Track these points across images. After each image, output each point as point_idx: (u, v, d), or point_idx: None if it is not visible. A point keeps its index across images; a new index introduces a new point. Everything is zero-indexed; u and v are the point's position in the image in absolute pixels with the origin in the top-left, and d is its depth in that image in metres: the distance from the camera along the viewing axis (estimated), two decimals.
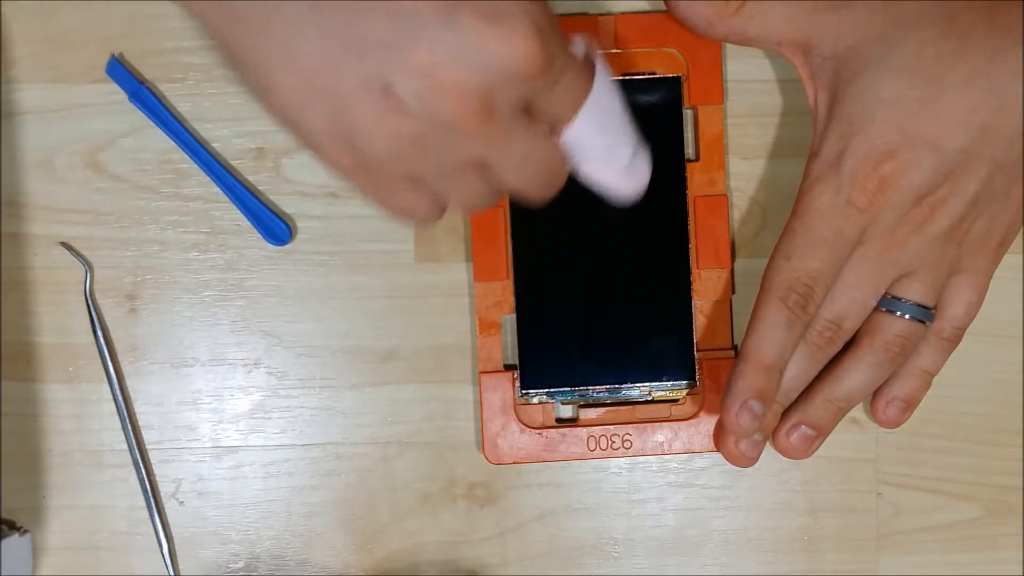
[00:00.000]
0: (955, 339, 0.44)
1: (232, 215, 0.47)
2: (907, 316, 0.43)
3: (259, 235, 0.47)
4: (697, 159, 0.47)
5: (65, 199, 0.47)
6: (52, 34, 0.47)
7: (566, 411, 0.47)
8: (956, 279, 0.43)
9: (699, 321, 0.47)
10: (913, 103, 0.41)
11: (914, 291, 0.43)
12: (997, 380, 0.48)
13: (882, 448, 0.48)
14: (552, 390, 0.46)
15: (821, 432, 0.45)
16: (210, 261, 0.47)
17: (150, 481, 0.48)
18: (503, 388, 0.46)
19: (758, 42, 0.44)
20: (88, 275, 0.47)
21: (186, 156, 0.47)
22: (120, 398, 0.47)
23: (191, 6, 0.34)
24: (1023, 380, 0.48)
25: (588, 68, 0.36)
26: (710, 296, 0.47)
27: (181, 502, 0.48)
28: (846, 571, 0.48)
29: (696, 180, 0.47)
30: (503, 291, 0.46)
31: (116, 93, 0.47)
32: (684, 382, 0.46)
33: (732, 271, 0.47)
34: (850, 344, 0.44)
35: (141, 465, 0.47)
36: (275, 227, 0.47)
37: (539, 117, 0.35)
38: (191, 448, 0.48)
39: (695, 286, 0.47)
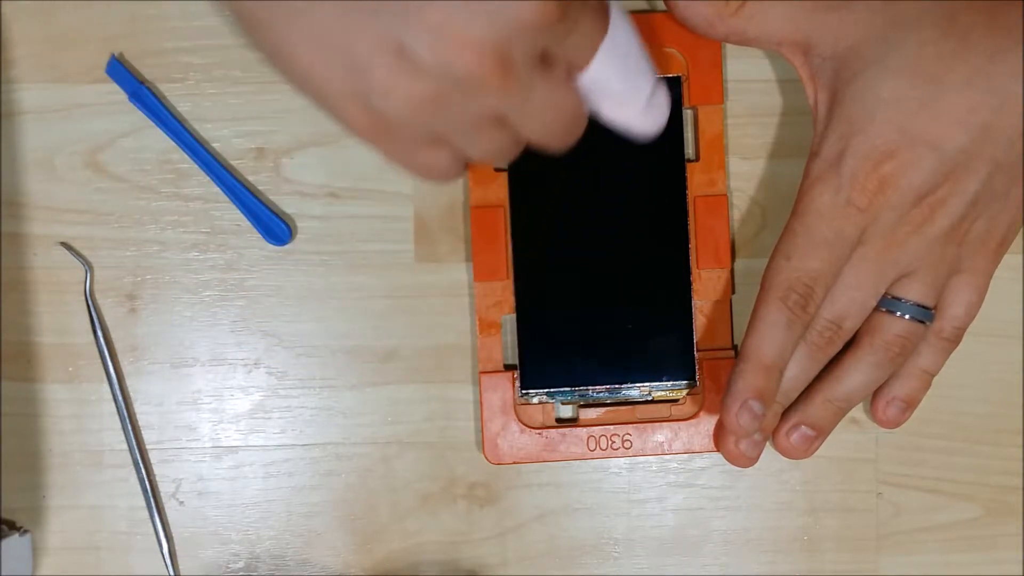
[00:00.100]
0: (955, 339, 0.44)
1: (232, 215, 0.47)
2: (907, 316, 0.43)
3: (259, 235, 0.47)
4: (697, 159, 0.47)
5: (65, 199, 0.47)
6: (52, 34, 0.47)
7: (566, 411, 0.47)
8: (956, 279, 0.43)
9: (699, 321, 0.47)
10: (913, 103, 0.41)
11: (914, 291, 0.43)
12: (997, 380, 0.48)
13: (882, 448, 0.48)
14: (552, 390, 0.46)
15: (821, 432, 0.45)
16: (210, 261, 0.47)
17: (150, 481, 0.48)
18: (503, 388, 0.46)
19: (758, 42, 0.44)
20: (88, 275, 0.47)
21: (186, 156, 0.47)
22: (120, 398, 0.47)
23: None
24: (1023, 380, 0.48)
25: (602, 11, 0.36)
26: (710, 296, 0.47)
27: (181, 502, 0.48)
28: (846, 571, 0.48)
29: (696, 180, 0.47)
30: (503, 291, 0.46)
31: (116, 93, 0.47)
32: (684, 382, 0.46)
33: (732, 271, 0.47)
34: (850, 344, 0.44)
35: (141, 465, 0.47)
36: (275, 227, 0.47)
37: (555, 64, 0.35)
38: (191, 448, 0.48)
39: (695, 286, 0.47)
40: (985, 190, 0.42)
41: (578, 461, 0.48)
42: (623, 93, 0.37)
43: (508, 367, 0.47)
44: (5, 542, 0.46)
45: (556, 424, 0.47)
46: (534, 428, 0.46)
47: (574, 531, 0.48)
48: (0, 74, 0.47)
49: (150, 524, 0.47)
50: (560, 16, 0.32)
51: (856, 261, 0.43)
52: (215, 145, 0.47)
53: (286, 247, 0.47)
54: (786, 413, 0.45)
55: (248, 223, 0.47)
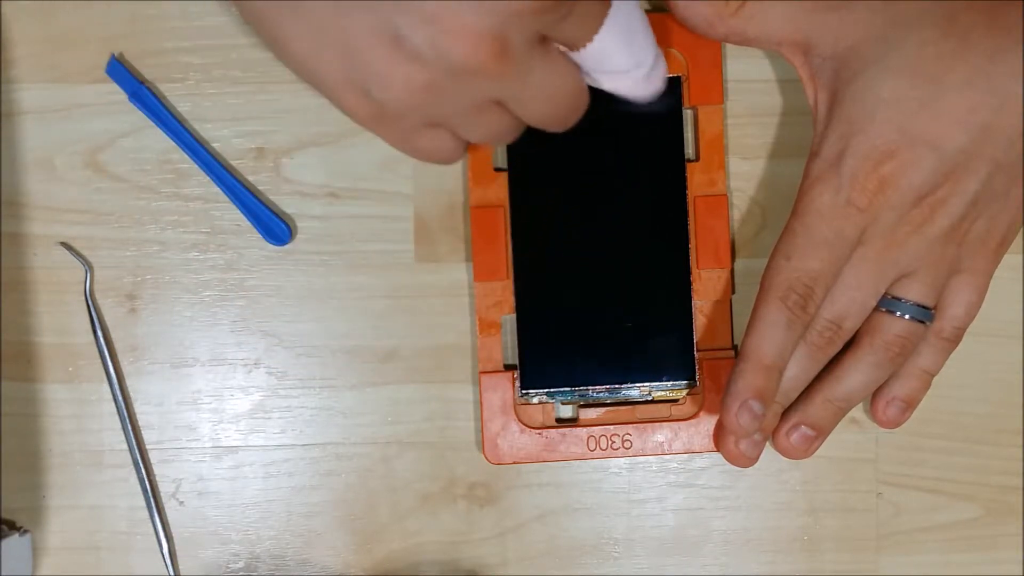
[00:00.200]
0: (955, 339, 0.44)
1: (232, 215, 0.47)
2: (907, 316, 0.43)
3: (259, 235, 0.47)
4: (697, 159, 0.47)
5: (65, 199, 0.47)
6: (52, 34, 0.47)
7: (566, 411, 0.47)
8: (956, 279, 0.43)
9: (699, 321, 0.47)
10: (913, 103, 0.41)
11: (914, 291, 0.43)
12: (997, 380, 0.48)
13: (882, 448, 0.48)
14: (552, 390, 0.46)
15: (821, 432, 0.45)
16: (210, 261, 0.47)
17: (150, 481, 0.48)
18: (503, 388, 0.46)
19: (758, 42, 0.44)
20: (88, 275, 0.47)
21: (186, 156, 0.47)
22: (120, 398, 0.47)
23: None
24: (1023, 380, 0.48)
25: None
26: (710, 296, 0.47)
27: (181, 502, 0.48)
28: (846, 571, 0.48)
29: (696, 180, 0.47)
30: (503, 291, 0.46)
31: (116, 93, 0.47)
32: (684, 382, 0.46)
33: (732, 271, 0.47)
34: (850, 344, 0.44)
35: (141, 465, 0.47)
36: (275, 227, 0.47)
37: (554, 46, 0.35)
38: (191, 448, 0.48)
39: (695, 286, 0.47)
40: (985, 190, 0.42)
41: (578, 461, 0.48)
42: (625, 67, 0.37)
43: (508, 367, 0.47)
44: (5, 542, 0.46)
45: (556, 424, 0.47)
46: (534, 428, 0.46)
47: (574, 531, 0.48)
48: (0, 74, 0.47)
49: (150, 524, 0.47)
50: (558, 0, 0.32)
51: (856, 261, 0.43)
52: (215, 145, 0.47)
53: (286, 247, 0.47)
54: (786, 413, 0.45)
55: (248, 223, 0.47)
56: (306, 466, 0.48)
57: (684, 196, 0.46)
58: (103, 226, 0.47)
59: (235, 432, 0.48)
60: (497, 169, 0.46)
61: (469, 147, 0.46)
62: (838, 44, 0.42)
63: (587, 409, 0.47)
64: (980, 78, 0.40)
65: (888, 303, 0.43)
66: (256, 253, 0.47)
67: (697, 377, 0.46)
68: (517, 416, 0.46)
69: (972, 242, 0.43)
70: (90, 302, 0.47)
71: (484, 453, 0.46)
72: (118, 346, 0.47)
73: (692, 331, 0.46)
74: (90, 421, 0.47)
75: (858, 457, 0.48)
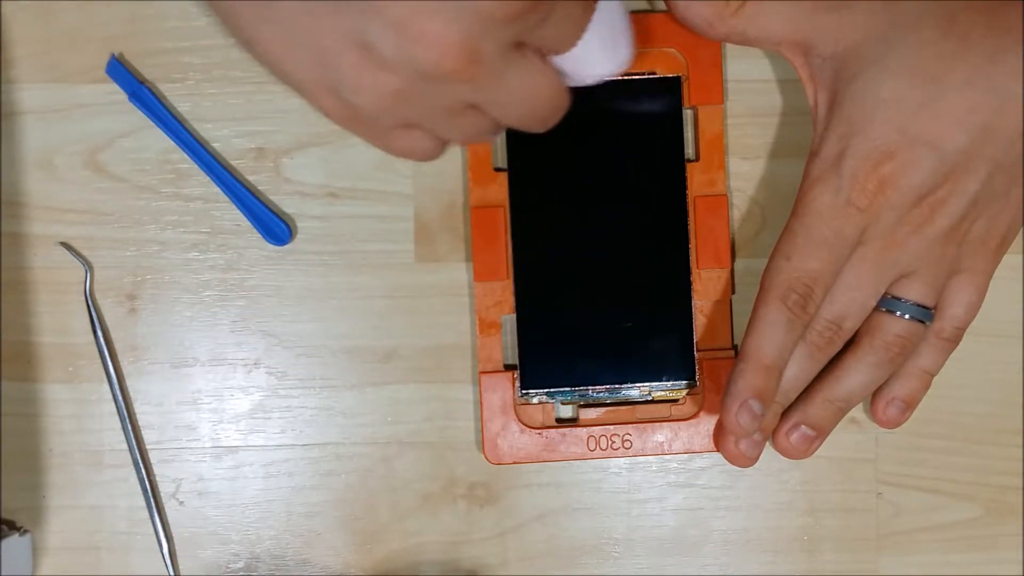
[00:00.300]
0: (955, 339, 0.44)
1: (232, 215, 0.47)
2: (907, 316, 0.43)
3: (259, 235, 0.47)
4: (697, 159, 0.47)
5: (65, 199, 0.47)
6: (52, 34, 0.47)
7: (566, 411, 0.47)
8: (956, 279, 0.43)
9: (699, 321, 0.47)
10: (913, 103, 0.41)
11: (914, 291, 0.43)
12: (997, 380, 0.48)
13: (882, 448, 0.48)
14: (552, 390, 0.46)
15: (821, 432, 0.45)
16: (210, 261, 0.47)
17: (150, 481, 0.48)
18: (503, 388, 0.46)
19: (758, 42, 0.44)
20: (88, 275, 0.47)
21: (186, 156, 0.47)
22: (120, 398, 0.47)
23: None
24: (1023, 380, 0.48)
25: None
26: (710, 296, 0.47)
27: (181, 502, 0.48)
28: (846, 571, 0.48)
29: (696, 180, 0.47)
30: (503, 291, 0.46)
31: (116, 93, 0.47)
32: (684, 382, 0.46)
33: (732, 271, 0.47)
34: (850, 344, 0.44)
35: (141, 465, 0.47)
36: (275, 227, 0.47)
37: (531, 50, 0.34)
38: (191, 448, 0.48)
39: (695, 286, 0.47)
40: (985, 190, 0.42)
41: (578, 461, 0.48)
42: (604, 71, 0.36)
43: (508, 367, 0.47)
44: (5, 542, 0.46)
45: (556, 424, 0.47)
46: (534, 428, 0.46)
47: (574, 531, 0.48)
48: (0, 74, 0.47)
49: (150, 524, 0.47)
50: (532, 6, 0.31)
51: (856, 261, 0.43)
52: (215, 145, 0.47)
53: (286, 247, 0.47)
54: (786, 413, 0.45)
55: (248, 223, 0.47)
56: (306, 466, 0.48)
57: (684, 196, 0.46)
58: (103, 226, 0.47)
59: (235, 432, 0.48)
60: (497, 169, 0.46)
61: (469, 147, 0.46)
62: (838, 44, 0.42)
63: (587, 409, 0.47)
64: (980, 78, 0.40)
65: (888, 303, 0.43)
66: (256, 253, 0.47)
67: (697, 377, 0.46)
68: (517, 416, 0.46)
69: (972, 242, 0.43)
70: (90, 302, 0.47)
71: (484, 453, 0.46)
72: (118, 346, 0.47)
73: (692, 331, 0.46)
74: (90, 421, 0.48)
75: (858, 457, 0.48)
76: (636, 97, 0.46)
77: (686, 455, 0.48)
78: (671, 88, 0.46)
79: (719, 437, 0.46)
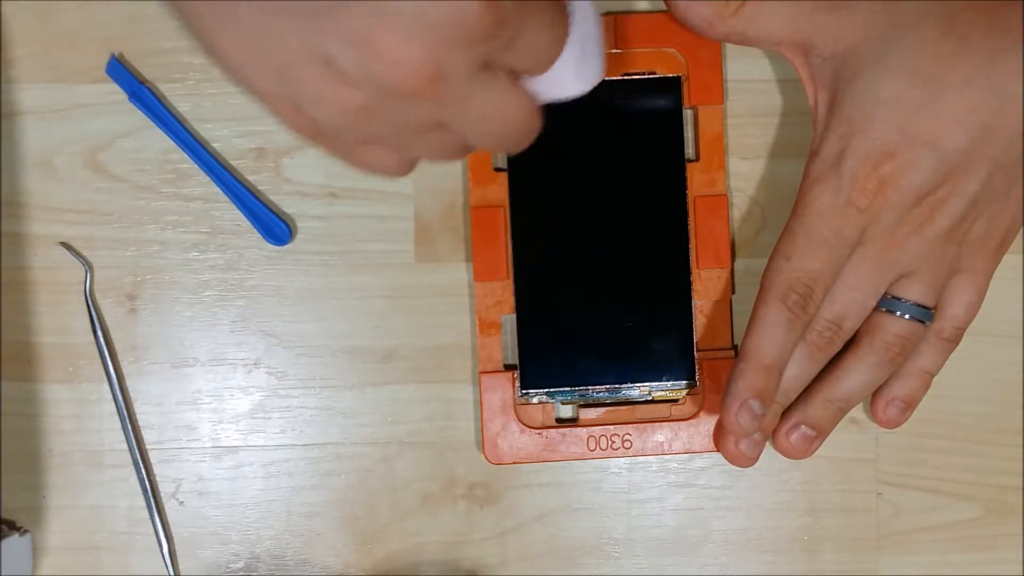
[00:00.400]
0: (955, 339, 0.44)
1: (232, 215, 0.47)
2: (907, 316, 0.43)
3: (259, 235, 0.47)
4: (697, 159, 0.47)
5: (65, 199, 0.47)
6: (52, 34, 0.47)
7: (566, 411, 0.47)
8: (956, 279, 0.43)
9: (699, 321, 0.47)
10: (913, 103, 0.41)
11: (914, 291, 0.43)
12: (997, 380, 0.48)
13: (882, 448, 0.48)
14: (552, 390, 0.46)
15: (821, 432, 0.45)
16: (210, 261, 0.47)
17: (150, 481, 0.48)
18: (503, 388, 0.46)
19: (758, 42, 0.44)
20: (88, 275, 0.47)
21: (186, 156, 0.47)
22: (120, 398, 0.47)
23: None
24: (1023, 380, 0.48)
25: (558, 17, 0.32)
26: (710, 296, 0.47)
27: (181, 502, 0.48)
28: (846, 571, 0.48)
29: (696, 180, 0.47)
30: (503, 291, 0.46)
31: (116, 93, 0.47)
32: (684, 382, 0.46)
33: (732, 271, 0.47)
34: (850, 344, 0.44)
35: (141, 465, 0.47)
36: (275, 227, 0.47)
37: (500, 71, 0.32)
38: (191, 448, 0.48)
39: (695, 286, 0.47)
40: (985, 190, 0.42)
41: (578, 461, 0.48)
42: (573, 85, 0.34)
43: (508, 367, 0.47)
44: (5, 542, 0.46)
45: (556, 424, 0.47)
46: (534, 428, 0.46)
47: (574, 531, 0.48)
48: (0, 74, 0.47)
49: (150, 524, 0.47)
50: (497, 26, 0.29)
51: (856, 261, 0.43)
52: (215, 145, 0.47)
53: (286, 247, 0.47)
54: (786, 413, 0.45)
55: (248, 223, 0.47)
56: (306, 466, 0.48)
57: (684, 196, 0.46)
58: (103, 226, 0.47)
59: (235, 432, 0.48)
60: (497, 169, 0.46)
61: None
62: (838, 44, 0.42)
63: (587, 409, 0.47)
64: (980, 78, 0.40)
65: (888, 303, 0.43)
66: (256, 253, 0.47)
67: (697, 377, 0.46)
68: (517, 416, 0.46)
69: (972, 242, 0.43)
70: (90, 302, 0.47)
71: (484, 453, 0.46)
72: (118, 346, 0.47)
73: (692, 331, 0.46)
74: (90, 421, 0.47)
75: (858, 457, 0.48)
76: (636, 97, 0.46)
77: (686, 455, 0.48)
78: (671, 88, 0.46)
79: (719, 437, 0.46)
